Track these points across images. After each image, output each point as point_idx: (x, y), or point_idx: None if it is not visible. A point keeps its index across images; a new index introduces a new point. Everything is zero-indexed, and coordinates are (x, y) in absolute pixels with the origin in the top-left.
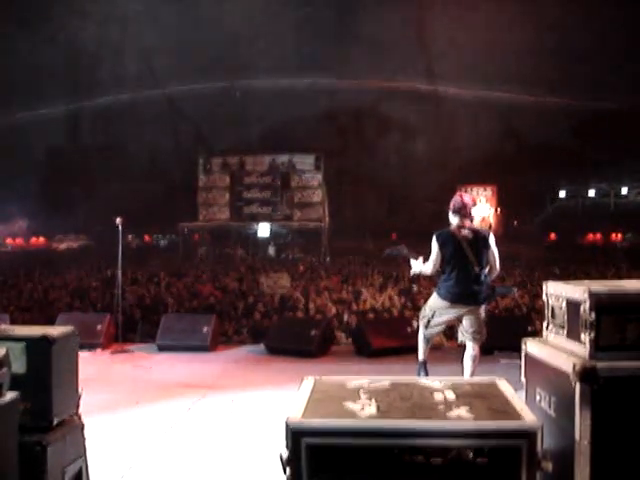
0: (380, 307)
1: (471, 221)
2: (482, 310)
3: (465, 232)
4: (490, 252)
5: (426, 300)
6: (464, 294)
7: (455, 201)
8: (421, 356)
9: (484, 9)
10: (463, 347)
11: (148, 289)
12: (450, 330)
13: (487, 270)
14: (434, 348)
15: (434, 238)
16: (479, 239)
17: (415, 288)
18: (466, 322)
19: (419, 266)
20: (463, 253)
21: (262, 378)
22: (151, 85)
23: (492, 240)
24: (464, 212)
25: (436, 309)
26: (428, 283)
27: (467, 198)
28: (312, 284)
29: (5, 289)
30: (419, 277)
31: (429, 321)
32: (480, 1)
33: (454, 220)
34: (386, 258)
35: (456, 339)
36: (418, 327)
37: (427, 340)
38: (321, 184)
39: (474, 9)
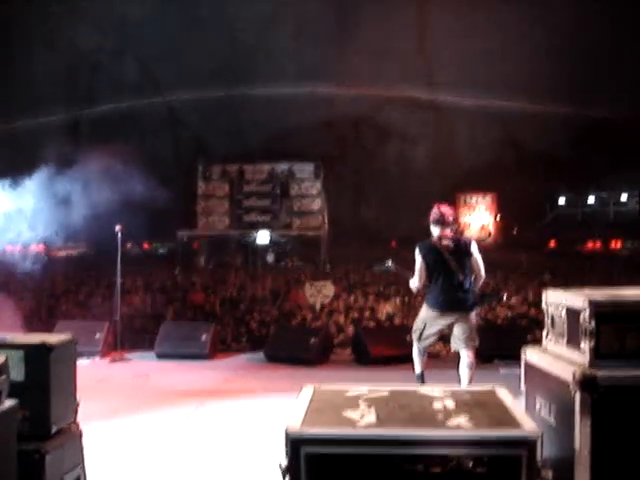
0: (380, 315)
1: (452, 230)
2: (472, 316)
3: (446, 242)
4: (473, 259)
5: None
6: (450, 302)
7: (434, 213)
8: (418, 369)
9: (484, 18)
10: (459, 355)
11: (145, 297)
12: (449, 337)
13: (473, 278)
14: (432, 356)
15: (416, 249)
16: (460, 247)
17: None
18: (457, 330)
19: (411, 282)
20: (445, 262)
21: (261, 386)
22: (151, 93)
23: (474, 248)
24: (443, 222)
25: (426, 321)
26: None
27: (445, 208)
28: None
29: (4, 297)
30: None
31: (421, 334)
32: (480, 9)
33: (435, 231)
34: (379, 272)
35: None
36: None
37: (421, 353)
38: (320, 192)
39: (474, 17)
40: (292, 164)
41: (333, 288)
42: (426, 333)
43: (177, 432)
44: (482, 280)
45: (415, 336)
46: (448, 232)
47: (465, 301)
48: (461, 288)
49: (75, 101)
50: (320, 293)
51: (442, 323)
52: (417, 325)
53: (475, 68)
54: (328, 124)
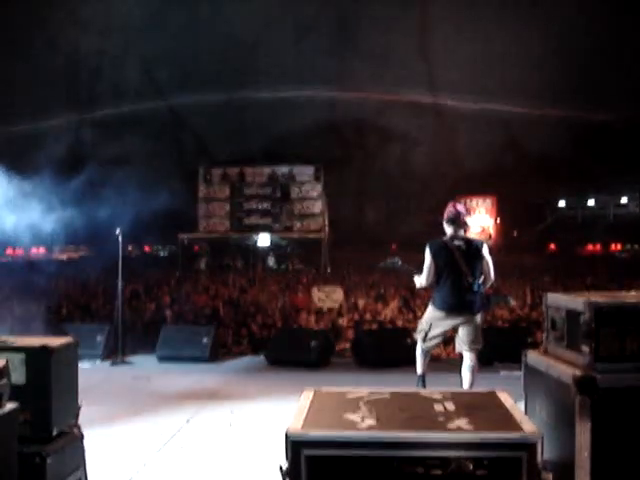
0: (381, 318)
1: (465, 231)
2: (479, 319)
3: (458, 242)
4: (484, 262)
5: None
6: (458, 304)
7: (449, 211)
8: (420, 370)
9: (485, 22)
10: (461, 358)
11: (146, 300)
12: (450, 340)
13: (481, 280)
14: (433, 360)
15: (427, 248)
16: (472, 249)
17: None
18: (462, 332)
19: (417, 279)
20: (456, 263)
21: (262, 389)
22: (152, 96)
23: (485, 250)
24: (458, 222)
25: (432, 321)
26: (429, 293)
27: (461, 207)
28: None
29: (5, 300)
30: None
31: (426, 334)
32: (481, 14)
33: (448, 230)
34: (385, 269)
35: (455, 349)
36: (416, 341)
37: (425, 354)
38: (321, 195)
39: (475, 22)
40: (293, 167)
41: (342, 293)
42: (431, 334)
43: (178, 435)
44: (491, 282)
45: (420, 336)
46: (461, 232)
47: (473, 303)
48: (470, 290)
49: (76, 105)
50: (329, 298)
51: (448, 324)
52: (422, 325)
53: (476, 72)
54: (329, 127)
